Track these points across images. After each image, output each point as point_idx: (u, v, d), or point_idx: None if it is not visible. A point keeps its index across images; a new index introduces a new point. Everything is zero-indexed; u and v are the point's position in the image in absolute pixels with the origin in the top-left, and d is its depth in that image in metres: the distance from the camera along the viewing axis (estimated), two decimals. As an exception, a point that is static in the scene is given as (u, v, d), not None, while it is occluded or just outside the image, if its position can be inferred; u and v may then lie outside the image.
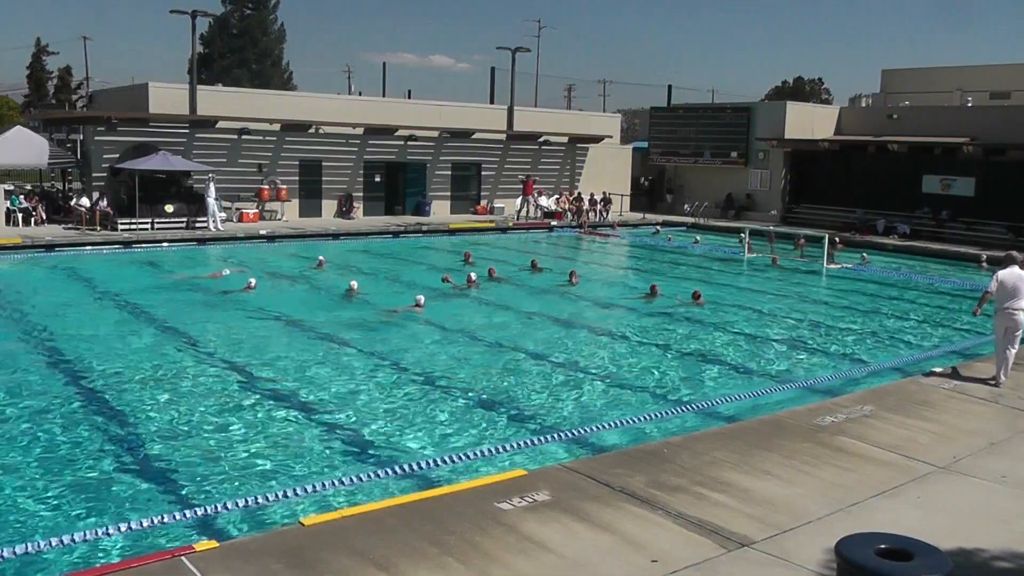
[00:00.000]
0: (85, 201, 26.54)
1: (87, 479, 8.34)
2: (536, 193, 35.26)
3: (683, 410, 10.88)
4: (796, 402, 10.99)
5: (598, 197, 35.85)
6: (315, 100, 33.16)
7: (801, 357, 14.34)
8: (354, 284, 18.39)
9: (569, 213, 35.00)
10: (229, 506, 7.57)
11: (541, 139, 36.66)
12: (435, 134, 33.68)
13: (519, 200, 34.90)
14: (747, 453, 8.20)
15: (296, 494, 7.88)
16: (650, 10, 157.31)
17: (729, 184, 38.23)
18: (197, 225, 27.03)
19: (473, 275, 19.89)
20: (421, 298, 17.10)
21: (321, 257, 22.48)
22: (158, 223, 26.47)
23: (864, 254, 26.78)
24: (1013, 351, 11.08)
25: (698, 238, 30.88)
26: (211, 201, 27.09)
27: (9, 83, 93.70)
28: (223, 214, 28.03)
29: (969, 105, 35.53)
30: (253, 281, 18.62)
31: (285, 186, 30.38)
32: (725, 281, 22.37)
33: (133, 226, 26.03)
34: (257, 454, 9.07)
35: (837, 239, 28.70)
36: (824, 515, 6.85)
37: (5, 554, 6.48)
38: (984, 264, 25.73)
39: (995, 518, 6.94)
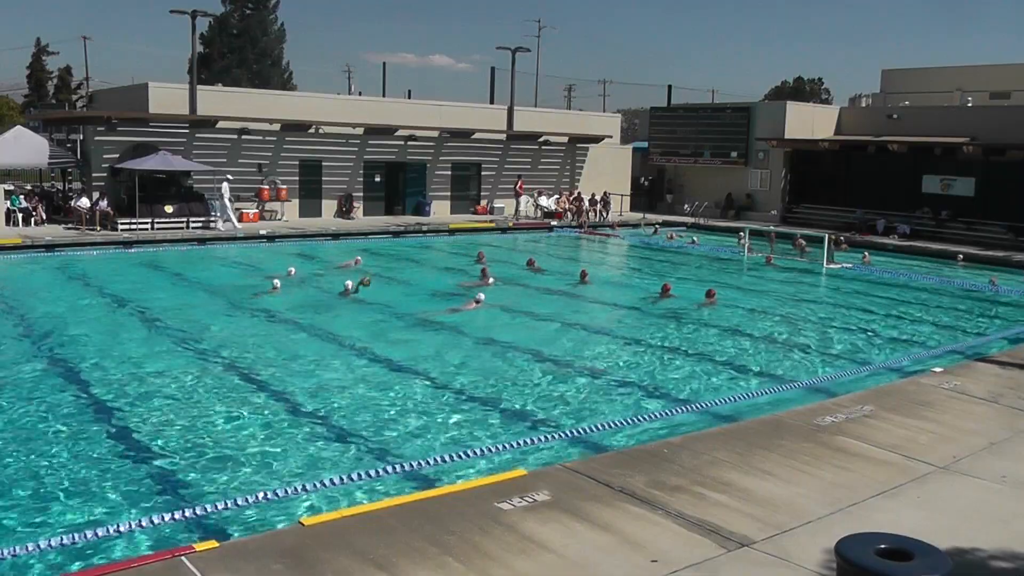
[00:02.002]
0: (85, 201, 26.53)
1: (87, 479, 8.34)
2: (536, 193, 35.27)
3: (683, 410, 10.88)
4: (796, 402, 10.99)
5: (598, 197, 35.86)
6: (315, 100, 33.15)
7: (801, 357, 14.34)
8: (349, 284, 18.33)
9: (569, 213, 35.00)
10: (229, 506, 7.57)
11: (541, 139, 36.66)
12: (435, 134, 33.68)
13: (516, 200, 35.03)
14: (747, 453, 8.20)
15: (296, 493, 7.88)
16: (650, 10, 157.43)
17: (729, 184, 38.22)
18: (211, 225, 27.18)
19: (491, 279, 20.11)
20: (481, 296, 17.41)
21: (358, 257, 22.67)
22: (158, 223, 26.48)
23: (866, 253, 26.83)
24: None
25: (695, 238, 30.86)
26: (225, 201, 27.36)
27: (9, 83, 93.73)
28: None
29: (969, 105, 35.53)
30: (277, 282, 18.64)
31: (285, 186, 30.40)
32: (725, 281, 22.35)
33: (133, 226, 26.03)
34: (257, 454, 9.06)
35: (842, 239, 28.83)
36: (824, 515, 6.85)
37: (5, 554, 6.48)
38: (961, 262, 26.25)
39: (995, 518, 6.94)
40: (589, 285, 20.62)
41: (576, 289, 20.26)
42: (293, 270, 20.46)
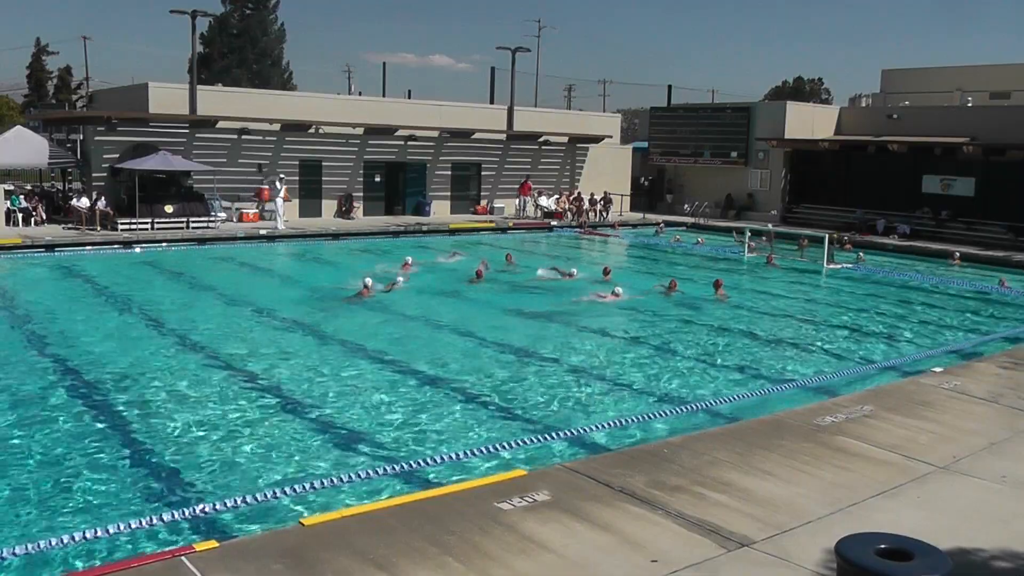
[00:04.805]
0: (85, 201, 26.54)
1: (87, 479, 8.34)
2: (536, 193, 35.29)
3: (683, 410, 10.88)
4: (796, 402, 10.99)
5: (598, 197, 35.87)
6: (315, 100, 33.14)
7: (801, 357, 14.33)
8: (368, 282, 18.20)
9: (569, 213, 35.01)
10: (229, 506, 7.57)
11: (541, 139, 36.66)
12: (435, 134, 33.68)
13: (518, 200, 35.06)
14: (747, 453, 8.20)
15: (296, 493, 7.87)
16: (650, 10, 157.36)
17: (729, 184, 38.22)
18: (262, 225, 27.61)
19: (574, 270, 21.28)
20: (620, 289, 18.18)
21: (456, 252, 24.12)
22: (158, 223, 26.47)
23: (860, 253, 26.92)
24: None
25: (700, 238, 30.86)
26: (279, 201, 27.85)
27: (9, 83, 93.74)
28: (223, 214, 28.09)
29: (969, 105, 35.54)
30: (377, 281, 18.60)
31: (285, 186, 30.36)
32: (725, 281, 22.31)
33: (133, 226, 26.02)
34: (258, 453, 9.06)
35: (845, 238, 28.94)
36: (824, 515, 6.85)
37: (5, 554, 6.48)
38: (958, 260, 26.36)
39: (995, 518, 6.94)
40: (609, 282, 20.58)
41: (594, 286, 20.22)
42: (410, 260, 21.60)
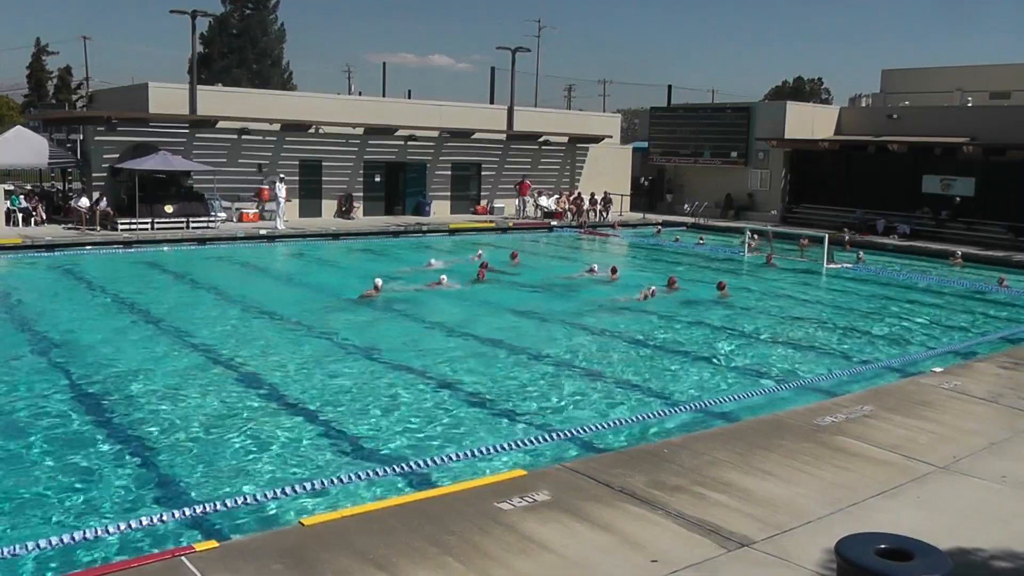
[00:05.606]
0: (85, 201, 26.54)
1: (87, 479, 8.34)
2: (536, 193, 35.29)
3: (683, 410, 10.88)
4: (796, 402, 10.99)
5: (598, 197, 35.88)
6: (315, 100, 33.14)
7: (801, 357, 14.33)
8: (378, 282, 18.07)
9: (569, 213, 35.02)
10: (229, 506, 7.57)
11: (541, 139, 36.66)
12: (435, 134, 33.68)
13: (518, 200, 35.08)
14: (747, 453, 8.20)
15: (296, 493, 7.87)
16: (650, 10, 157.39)
17: (729, 184, 38.23)
18: (262, 225, 27.56)
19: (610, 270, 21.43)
20: (653, 288, 18.67)
21: (480, 251, 23.88)
22: (158, 223, 26.47)
23: (860, 252, 26.90)
24: None
25: (702, 238, 30.85)
26: (281, 201, 28.03)
27: (9, 83, 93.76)
28: (223, 214, 28.09)
29: (969, 105, 35.54)
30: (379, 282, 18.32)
31: (285, 186, 30.35)
32: (725, 281, 22.31)
33: (133, 226, 26.02)
34: (258, 453, 9.06)
35: (846, 231, 28.95)
36: (824, 515, 6.85)
37: (5, 553, 6.48)
38: (959, 260, 26.27)
39: (995, 518, 6.94)
40: (618, 282, 20.56)
41: (602, 286, 20.19)
42: (434, 262, 21.75)
